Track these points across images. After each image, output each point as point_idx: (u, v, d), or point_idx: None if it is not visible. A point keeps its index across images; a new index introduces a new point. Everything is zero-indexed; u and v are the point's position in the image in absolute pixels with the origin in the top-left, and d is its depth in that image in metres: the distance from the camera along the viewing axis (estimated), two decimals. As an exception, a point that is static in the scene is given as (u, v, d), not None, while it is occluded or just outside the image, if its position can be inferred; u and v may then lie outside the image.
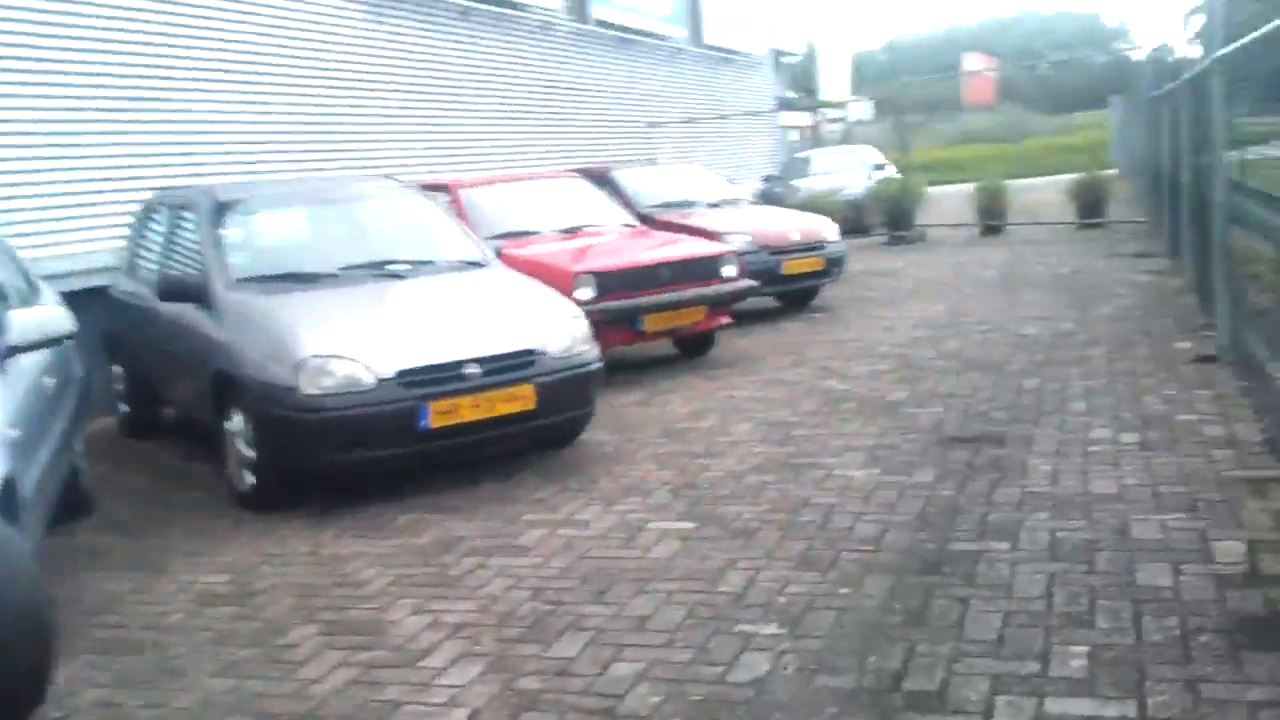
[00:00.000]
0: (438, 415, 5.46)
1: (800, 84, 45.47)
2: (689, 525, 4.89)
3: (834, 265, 11.10)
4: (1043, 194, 21.61)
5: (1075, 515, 4.54)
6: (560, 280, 7.78)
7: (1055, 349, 8.01)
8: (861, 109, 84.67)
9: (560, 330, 6.04)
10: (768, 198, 19.88)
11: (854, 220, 19.23)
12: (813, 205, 17.76)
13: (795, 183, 21.31)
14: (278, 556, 4.97)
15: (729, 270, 8.79)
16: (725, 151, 22.04)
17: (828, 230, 11.24)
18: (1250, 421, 5.63)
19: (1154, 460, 5.17)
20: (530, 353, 5.83)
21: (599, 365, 6.18)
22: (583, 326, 6.19)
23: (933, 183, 44.08)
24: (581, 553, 4.64)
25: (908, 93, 20.90)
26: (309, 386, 5.36)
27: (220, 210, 6.69)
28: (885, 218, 18.13)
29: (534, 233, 8.91)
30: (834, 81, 39.84)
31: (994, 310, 10.01)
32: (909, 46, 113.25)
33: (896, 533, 4.55)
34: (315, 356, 5.41)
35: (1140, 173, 20.58)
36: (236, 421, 5.71)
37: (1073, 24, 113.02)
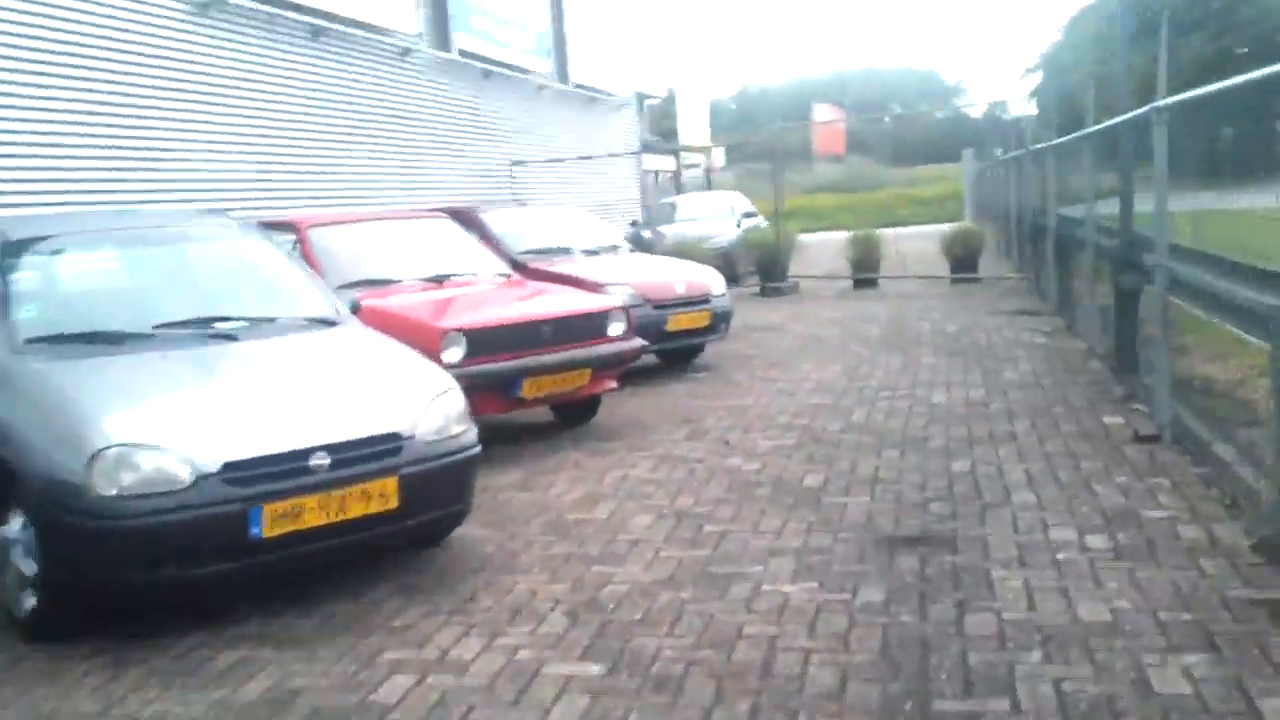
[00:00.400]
0: (275, 520, 4.29)
1: (660, 128, 45.22)
2: (595, 670, 3.84)
3: (720, 321, 10.25)
4: (906, 244, 21.43)
5: (1075, 657, 3.68)
6: (425, 338, 6.69)
7: (973, 421, 7.28)
8: (719, 155, 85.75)
9: (432, 407, 4.95)
10: (635, 244, 19.08)
11: (725, 269, 18.53)
12: (682, 253, 17.02)
13: (663, 229, 20.57)
14: (56, 716, 3.73)
15: (617, 327, 7.82)
16: (593, 194, 21.18)
17: (714, 282, 10.40)
18: (1227, 520, 4.92)
19: (1138, 574, 4.37)
20: (394, 437, 4.73)
21: (477, 449, 5.11)
22: (458, 402, 5.11)
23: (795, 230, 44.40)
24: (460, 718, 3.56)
25: (784, 138, 20.09)
26: (105, 485, 4.13)
27: (7, 251, 5.39)
28: (756, 267, 17.49)
29: (395, 281, 7.77)
30: (693, 127, 39.55)
31: (893, 373, 9.30)
32: (759, 96, 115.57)
33: (861, 683, 3.61)
34: (114, 446, 4.19)
35: (998, 224, 20.56)
36: (14, 527, 4.42)
37: (914, 80, 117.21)
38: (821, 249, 20.69)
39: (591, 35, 22.33)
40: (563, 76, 20.84)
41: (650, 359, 10.04)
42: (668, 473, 6.54)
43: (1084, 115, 12.06)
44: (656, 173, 34.10)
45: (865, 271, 16.68)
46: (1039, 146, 13.02)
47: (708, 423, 7.84)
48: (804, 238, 20.09)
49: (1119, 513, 5.16)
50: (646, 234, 19.56)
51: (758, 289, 17.24)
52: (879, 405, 8.02)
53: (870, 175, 56.40)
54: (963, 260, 16.12)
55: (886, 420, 7.51)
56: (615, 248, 11.09)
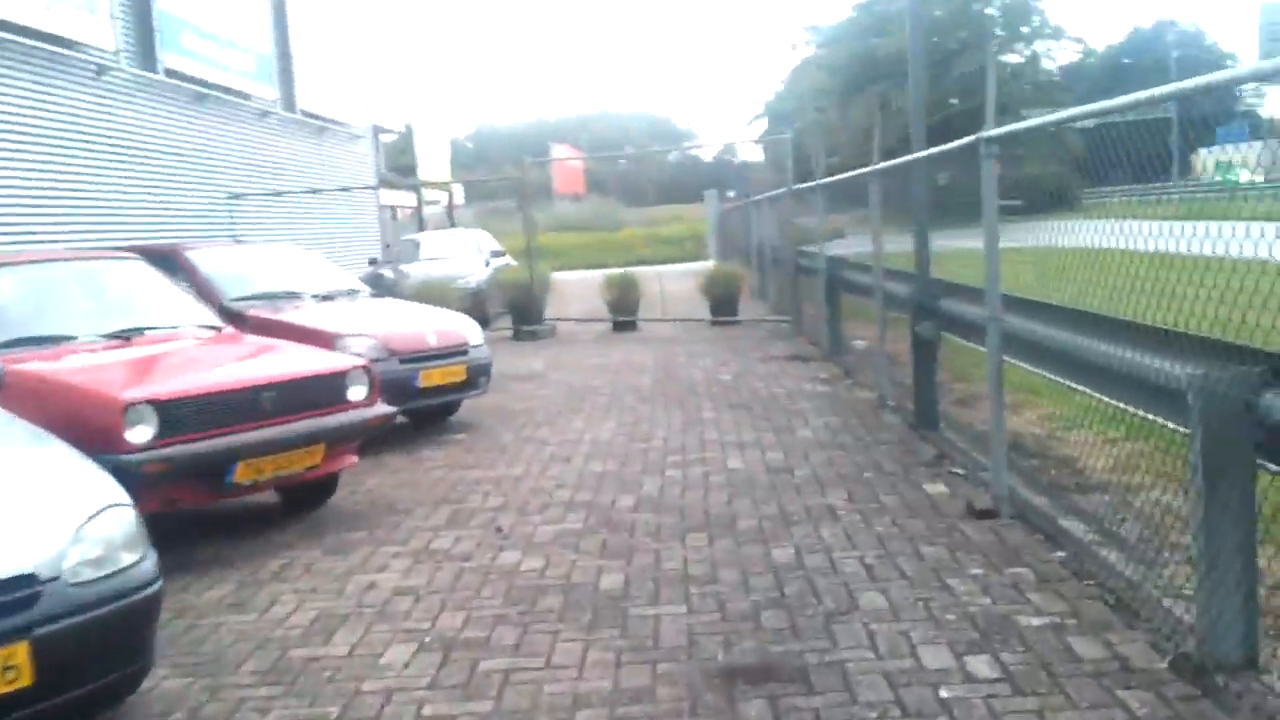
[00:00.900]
0: None
1: (396, 164, 43.36)
2: None
3: (480, 374, 8.93)
4: (657, 284, 20.74)
5: None
6: (102, 414, 5.10)
7: (781, 493, 6.28)
8: (459, 192, 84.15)
9: (86, 531, 3.42)
10: (375, 285, 17.44)
11: (476, 311, 17.23)
12: (429, 294, 15.59)
13: (405, 268, 18.99)
14: None
15: (358, 390, 6.36)
16: (326, 231, 19.37)
17: (470, 331, 9.07)
18: (1120, 627, 4.05)
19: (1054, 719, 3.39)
20: (24, 582, 3.18)
21: (156, 585, 3.59)
22: (126, 520, 3.58)
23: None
24: None
25: (529, 175, 18.93)
26: None
27: None
28: (510, 309, 16.25)
29: (65, 339, 6.03)
30: (432, 163, 37.99)
31: (676, 431, 8.25)
32: (496, 136, 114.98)
33: None
34: None
35: (748, 264, 20.19)
36: None
37: (648, 124, 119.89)
38: (575, 288, 19.71)
39: (321, 62, 20.57)
40: (289, 104, 18.98)
41: (400, 419, 8.60)
42: (428, 576, 5.16)
43: (808, 160, 12.60)
44: (394, 208, 32.36)
45: (624, 313, 15.75)
46: (805, 186, 12.44)
47: (473, 501, 6.51)
48: (556, 276, 19.08)
49: (992, 621, 4.20)
50: (388, 274, 17.94)
51: (511, 333, 15.98)
52: (670, 473, 6.91)
53: (610, 214, 56.37)
54: (723, 302, 15.44)
55: (683, 494, 6.40)
56: (353, 292, 9.59)
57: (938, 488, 6.14)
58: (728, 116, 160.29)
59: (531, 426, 8.83)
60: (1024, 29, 57.30)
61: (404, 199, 32.79)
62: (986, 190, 5.47)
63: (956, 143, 6.05)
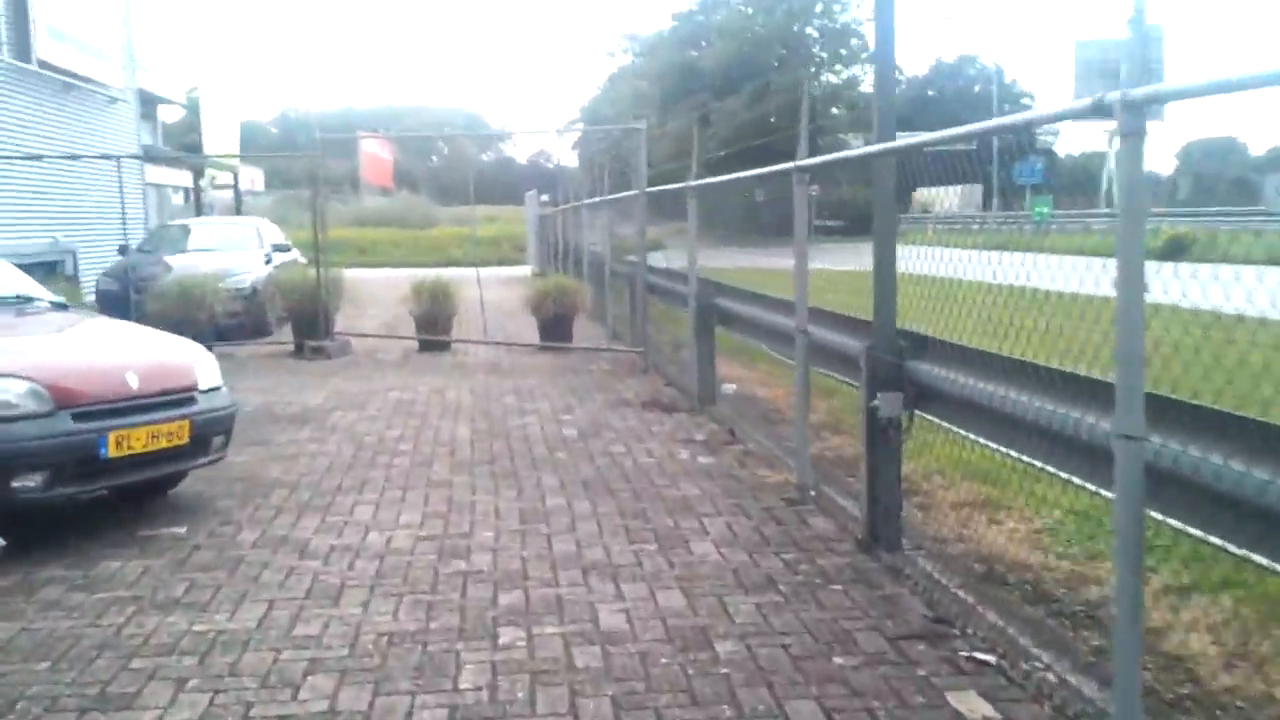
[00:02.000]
0: None
1: (183, 142, 38.75)
2: None
3: (213, 432, 5.81)
4: (473, 291, 17.81)
5: None
6: None
7: (701, 704, 3.56)
8: (255, 177, 78.00)
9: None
10: (120, 279, 13.84)
11: (250, 318, 13.91)
12: (188, 295, 12.24)
13: (170, 259, 15.36)
14: None
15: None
16: (64, 211, 15.56)
17: (200, 367, 5.93)
18: None
19: None
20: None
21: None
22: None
23: (333, 265, 39.46)
24: None
25: (325, 162, 15.60)
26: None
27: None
28: (292, 318, 12.99)
29: None
30: (220, 145, 33.65)
31: (510, 538, 5.40)
32: (302, 122, 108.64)
33: None
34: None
35: (574, 275, 17.51)
36: None
37: (463, 120, 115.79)
38: (380, 292, 16.52)
39: (72, 11, 16.71)
40: (22, 51, 15.10)
41: (79, 497, 5.50)
42: None
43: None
44: (161, 188, 27.89)
45: (436, 331, 12.72)
46: (674, 187, 9.78)
47: (157, 699, 3.51)
48: (354, 275, 15.79)
49: None
50: (147, 267, 14.34)
51: (293, 347, 12.73)
52: (507, 644, 4.08)
53: (422, 211, 52.67)
54: (555, 323, 12.61)
55: (531, 699, 3.58)
56: (23, 301, 6.31)
57: (970, 704, 3.53)
58: (542, 119, 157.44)
59: (290, 514, 5.82)
60: (843, 51, 56.76)
61: (178, 177, 28.43)
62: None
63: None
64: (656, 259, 11.43)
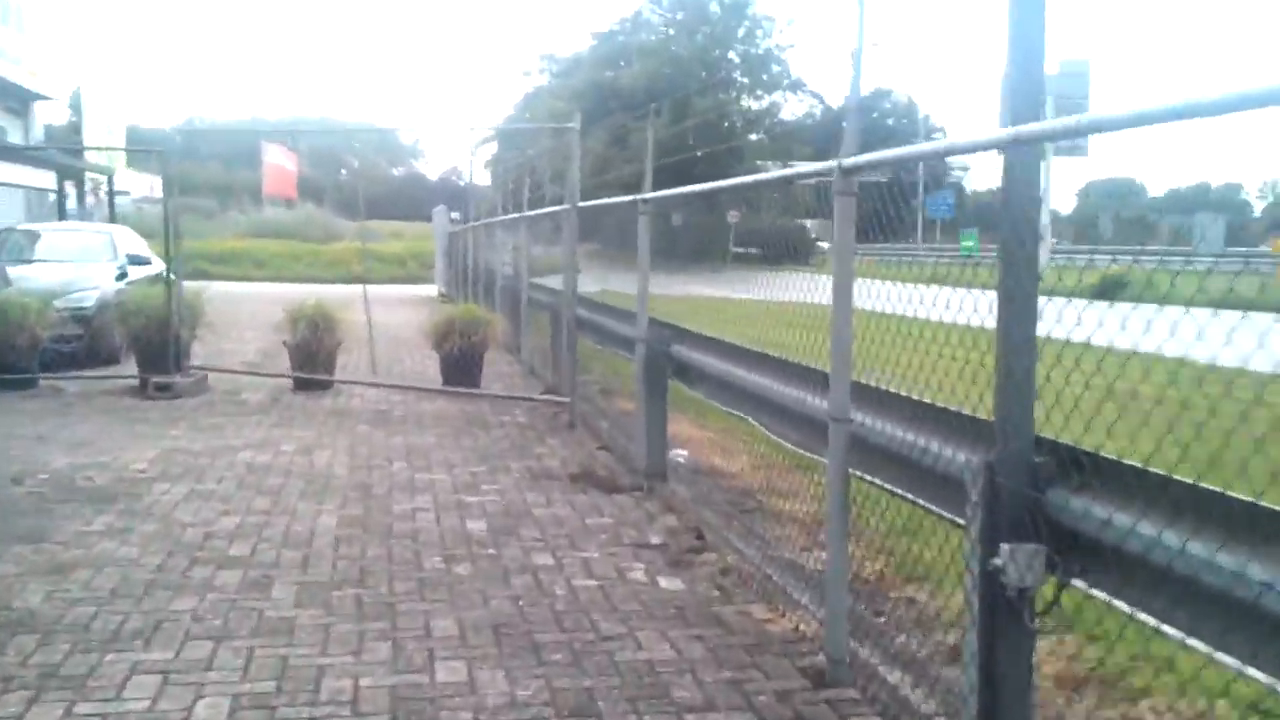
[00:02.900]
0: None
1: (63, 142, 35.67)
2: None
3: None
4: (379, 314, 15.44)
5: None
6: None
7: None
8: (153, 184, 74.03)
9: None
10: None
11: (95, 343, 11.43)
12: (5, 317, 9.78)
13: (12, 270, 12.75)
14: None
15: None
16: None
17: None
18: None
19: None
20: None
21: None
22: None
23: (224, 278, 36.44)
24: None
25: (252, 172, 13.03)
26: None
27: None
28: (137, 347, 10.52)
29: None
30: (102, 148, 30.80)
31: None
32: (207, 131, 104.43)
33: None
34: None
35: (488, 300, 15.28)
36: None
37: (373, 135, 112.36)
38: (262, 310, 14.07)
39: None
40: None
41: None
42: None
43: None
44: (28, 190, 24.80)
45: (315, 366, 10.35)
46: (627, 199, 7.65)
47: None
48: (236, 291, 13.26)
49: None
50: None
51: (137, 383, 10.27)
52: None
53: (322, 224, 49.65)
54: (462, 363, 10.33)
55: None
56: None
57: None
58: (455, 137, 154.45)
59: (17, 697, 3.53)
60: (764, 77, 55.47)
61: (39, 179, 25.32)
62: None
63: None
64: (587, 284, 9.33)
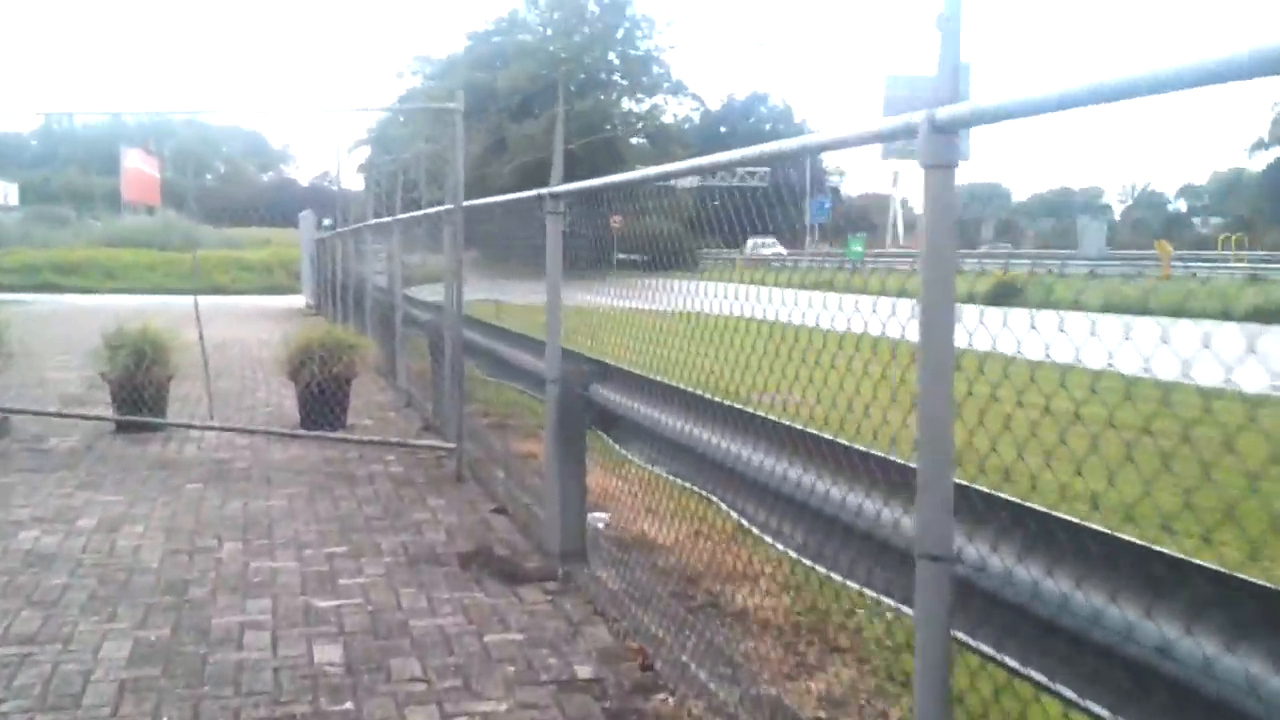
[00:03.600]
0: None
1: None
2: None
3: None
4: (227, 330, 13.45)
5: None
6: None
7: None
8: (9, 191, 68.84)
9: None
10: None
11: None
12: None
13: None
14: None
15: None
16: None
17: None
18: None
19: None
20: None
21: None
22: None
23: (75, 290, 33.30)
24: None
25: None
26: None
27: None
28: (-88, 384, 8.42)
29: None
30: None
31: None
32: (68, 135, 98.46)
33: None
34: None
35: (357, 314, 13.45)
36: None
37: (240, 138, 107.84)
38: (99, 328, 11.91)
39: None
40: None
41: None
42: None
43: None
44: None
45: (140, 405, 8.37)
46: (529, 194, 5.95)
47: None
48: (81, 303, 11.04)
49: None
50: None
51: (-88, 428, 8.17)
52: None
53: (184, 232, 46.39)
54: (324, 395, 8.50)
55: None
56: None
57: None
58: (326, 140, 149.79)
59: None
60: (644, 79, 54.22)
61: None
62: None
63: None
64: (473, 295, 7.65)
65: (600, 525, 5.89)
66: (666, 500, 6.07)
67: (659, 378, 4.71)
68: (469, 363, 7.73)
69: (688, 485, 4.15)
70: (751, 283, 5.49)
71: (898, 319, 2.70)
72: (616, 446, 4.99)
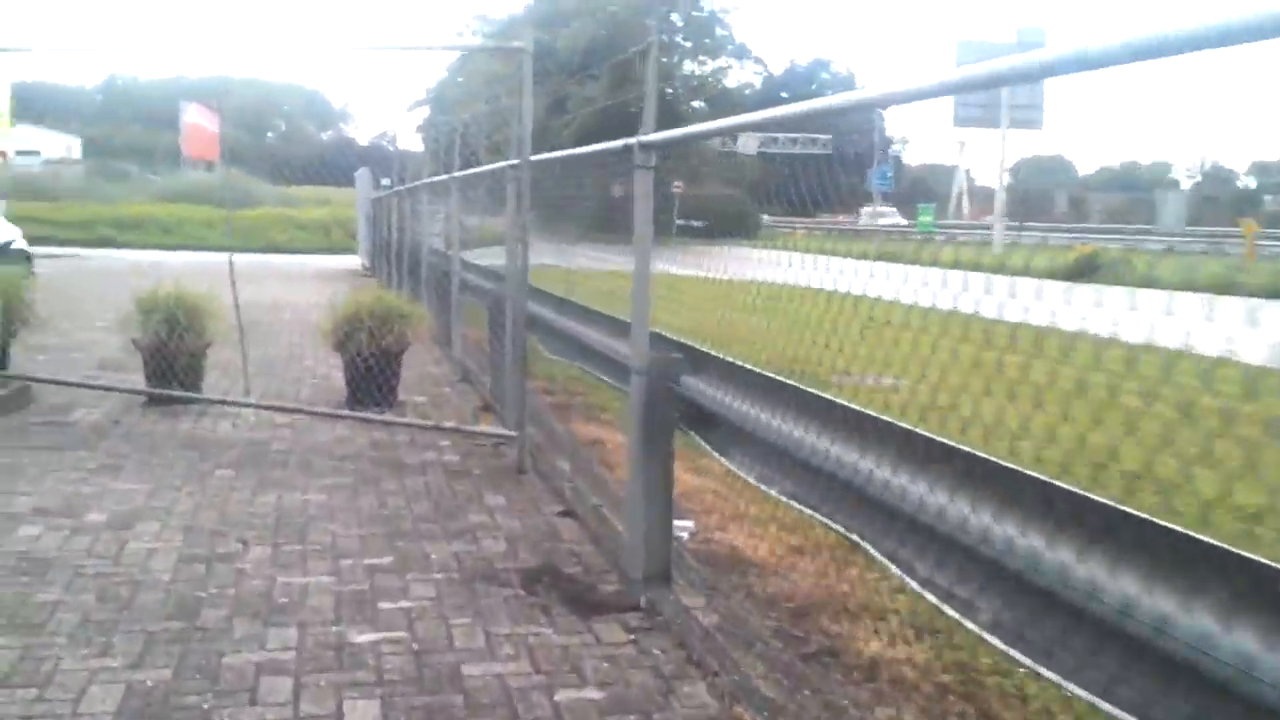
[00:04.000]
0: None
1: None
2: None
3: None
4: (267, 290, 12.74)
5: None
6: None
7: None
8: (71, 145, 69.07)
9: None
10: None
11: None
12: None
13: None
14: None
15: None
16: None
17: None
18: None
19: None
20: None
21: None
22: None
23: (133, 245, 32.96)
24: None
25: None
26: None
27: None
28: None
29: None
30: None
31: None
32: (131, 88, 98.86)
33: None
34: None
35: (413, 279, 12.67)
36: None
37: (300, 97, 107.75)
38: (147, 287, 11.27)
39: None
40: None
41: None
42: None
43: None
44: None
45: (172, 376, 7.60)
46: (618, 144, 5.01)
47: None
48: (138, 260, 10.30)
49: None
50: None
51: (-67, 395, 7.47)
52: None
53: (241, 189, 45.98)
54: (372, 369, 7.68)
55: None
56: None
57: None
58: (386, 100, 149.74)
59: None
60: (707, 40, 52.74)
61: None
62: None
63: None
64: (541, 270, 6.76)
65: (685, 536, 5.01)
66: (757, 503, 5.18)
67: (770, 373, 3.81)
68: (531, 337, 6.87)
69: (824, 520, 3.24)
70: (871, 257, 4.61)
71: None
72: (720, 457, 4.10)
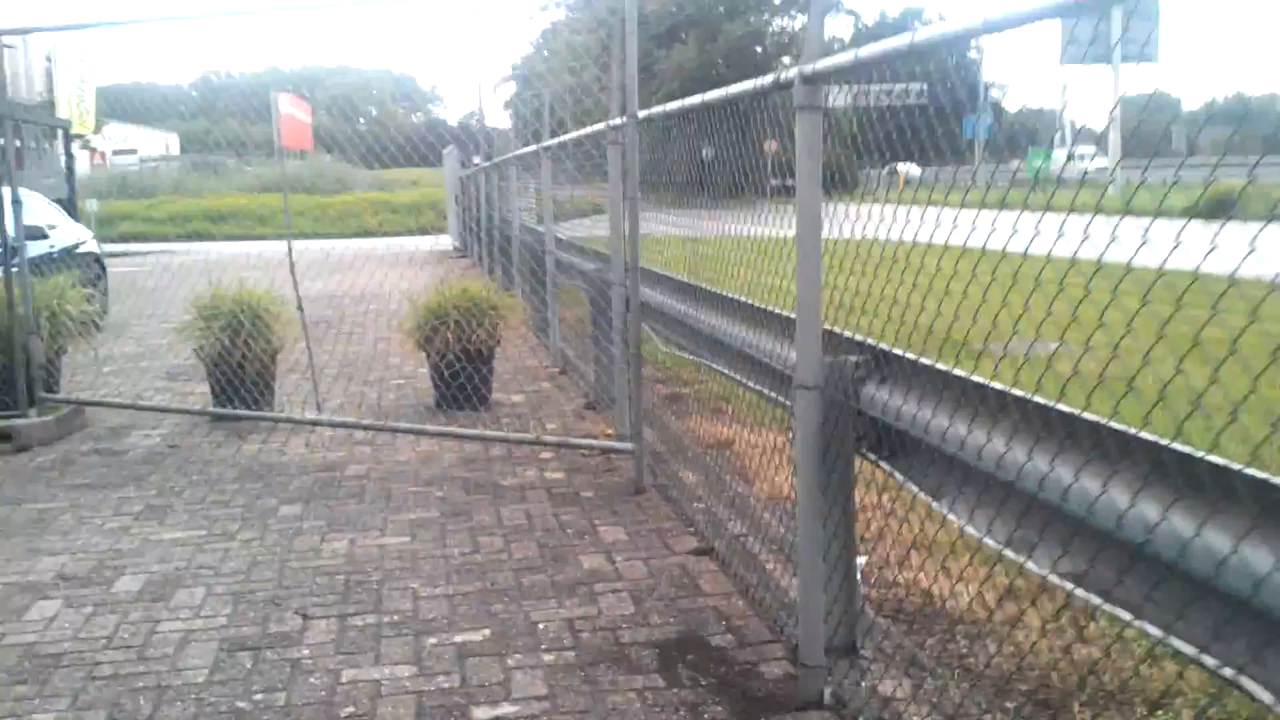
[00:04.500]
0: None
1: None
2: None
3: None
4: (358, 278, 11.89)
5: None
6: None
7: None
8: (169, 142, 70.39)
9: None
10: None
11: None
12: None
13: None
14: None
15: None
16: None
17: None
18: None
19: None
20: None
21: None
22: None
23: (227, 237, 32.79)
24: None
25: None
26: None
27: None
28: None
29: None
30: (70, 101, 27.34)
31: None
32: (226, 84, 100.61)
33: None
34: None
35: (506, 260, 11.66)
36: None
37: (390, 82, 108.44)
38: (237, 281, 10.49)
39: None
40: None
41: None
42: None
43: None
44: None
45: (239, 391, 6.65)
46: (767, 79, 3.84)
47: None
48: (234, 252, 9.49)
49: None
50: None
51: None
52: None
53: (334, 175, 45.89)
54: (459, 371, 6.63)
55: None
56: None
57: None
58: (473, 78, 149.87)
59: None
60: (798, -6, 50.67)
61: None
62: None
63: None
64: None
65: (857, 579, 3.84)
66: (933, 519, 3.97)
67: (963, 373, 2.62)
68: (644, 328, 5.73)
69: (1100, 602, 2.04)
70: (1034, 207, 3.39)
71: None
72: (927, 497, 2.90)
